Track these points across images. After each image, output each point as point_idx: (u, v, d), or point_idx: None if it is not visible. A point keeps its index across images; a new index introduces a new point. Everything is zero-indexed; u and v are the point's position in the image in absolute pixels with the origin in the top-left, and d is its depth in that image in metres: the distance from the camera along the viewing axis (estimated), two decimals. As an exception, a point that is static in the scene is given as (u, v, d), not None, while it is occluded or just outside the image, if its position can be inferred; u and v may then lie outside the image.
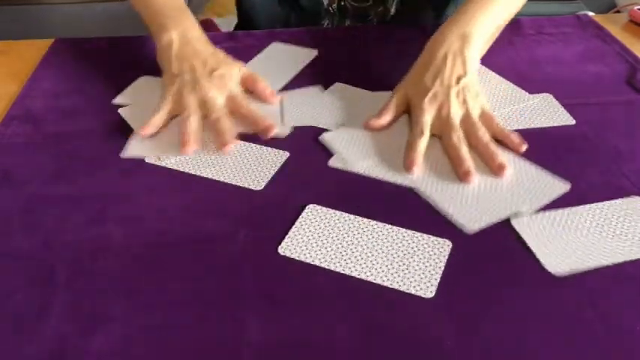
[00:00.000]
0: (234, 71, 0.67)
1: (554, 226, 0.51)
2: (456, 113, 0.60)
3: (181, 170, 0.58)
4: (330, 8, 0.89)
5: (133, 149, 0.60)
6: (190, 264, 0.49)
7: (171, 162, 0.59)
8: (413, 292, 0.46)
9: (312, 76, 0.73)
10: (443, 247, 0.49)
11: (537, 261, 0.48)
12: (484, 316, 0.44)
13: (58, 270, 0.48)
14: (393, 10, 0.90)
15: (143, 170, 0.58)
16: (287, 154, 0.60)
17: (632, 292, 0.46)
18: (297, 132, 0.63)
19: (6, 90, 0.71)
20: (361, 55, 0.78)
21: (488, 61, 0.75)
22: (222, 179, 0.57)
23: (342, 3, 0.88)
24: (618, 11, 1.02)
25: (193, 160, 0.59)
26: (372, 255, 0.49)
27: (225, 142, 0.59)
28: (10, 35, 0.87)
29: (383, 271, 0.47)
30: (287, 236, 0.51)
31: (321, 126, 0.64)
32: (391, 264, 0.48)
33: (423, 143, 0.58)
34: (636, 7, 0.86)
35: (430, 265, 0.48)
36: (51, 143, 0.62)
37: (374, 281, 0.47)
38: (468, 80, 0.61)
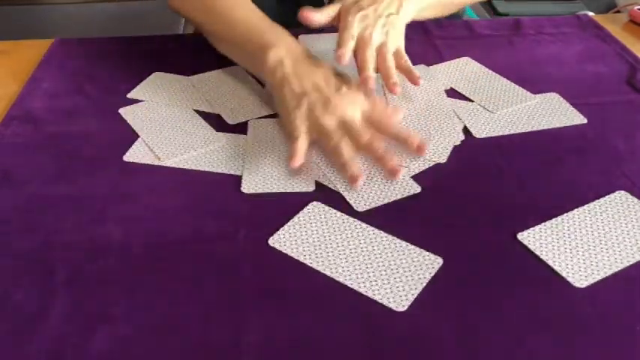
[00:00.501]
0: (358, 94, 0.61)
1: (560, 235, 0.50)
2: (377, 38, 0.63)
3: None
4: None
5: (136, 155, 0.60)
6: (190, 264, 0.49)
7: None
8: (385, 303, 0.45)
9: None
10: (432, 263, 0.48)
11: (537, 261, 0.48)
12: (484, 316, 0.44)
13: (58, 270, 0.48)
14: None
15: (143, 170, 0.58)
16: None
17: (631, 292, 0.46)
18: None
19: (6, 90, 0.71)
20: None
21: (488, 61, 0.75)
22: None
23: None
24: (618, 11, 1.02)
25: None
26: (357, 260, 0.48)
27: (395, 166, 0.56)
28: (10, 35, 0.87)
29: (362, 278, 0.47)
30: (281, 229, 0.51)
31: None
32: (373, 272, 0.47)
33: (351, 43, 0.62)
34: (636, 7, 0.86)
35: (412, 279, 0.47)
36: (51, 143, 0.62)
37: (350, 286, 0.46)
38: (396, 19, 0.65)
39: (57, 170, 0.59)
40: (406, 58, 0.66)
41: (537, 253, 0.49)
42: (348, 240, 0.50)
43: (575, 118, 0.65)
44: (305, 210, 0.53)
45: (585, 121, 0.64)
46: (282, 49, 0.62)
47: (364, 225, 0.51)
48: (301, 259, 0.48)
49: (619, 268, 0.47)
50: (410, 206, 0.54)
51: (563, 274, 0.47)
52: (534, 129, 0.63)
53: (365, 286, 0.46)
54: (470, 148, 0.61)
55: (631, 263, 0.48)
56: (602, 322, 0.44)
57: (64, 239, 0.51)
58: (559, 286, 0.46)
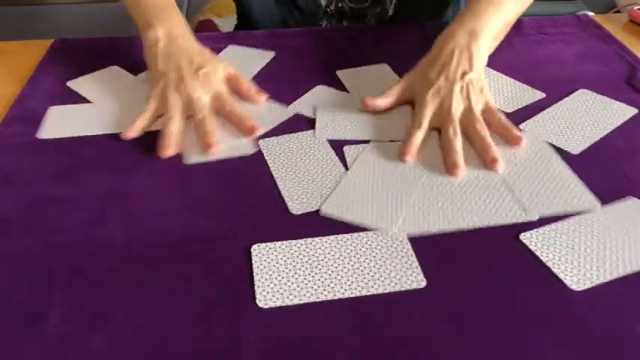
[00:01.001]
0: (219, 70, 0.66)
1: (564, 239, 0.50)
2: (457, 107, 0.60)
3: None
4: (328, 10, 0.89)
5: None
6: (190, 264, 0.49)
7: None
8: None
9: (310, 77, 0.73)
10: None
11: (538, 261, 0.48)
12: (484, 317, 0.44)
13: (58, 270, 0.48)
14: (391, 12, 0.90)
15: (143, 170, 0.59)
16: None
17: (631, 292, 0.46)
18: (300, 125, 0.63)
19: (6, 90, 0.71)
20: (359, 55, 0.78)
21: (488, 60, 0.75)
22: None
23: (340, 5, 0.88)
24: (618, 11, 1.02)
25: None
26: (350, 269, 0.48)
27: (210, 143, 0.59)
28: (10, 35, 0.88)
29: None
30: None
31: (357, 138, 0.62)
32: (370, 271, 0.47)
33: (419, 135, 0.59)
34: (636, 7, 0.86)
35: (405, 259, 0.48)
36: (51, 143, 0.62)
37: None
38: (473, 76, 0.61)
39: (57, 170, 0.59)
40: (500, 115, 0.60)
41: (537, 254, 0.49)
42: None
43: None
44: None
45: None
46: (161, 29, 0.67)
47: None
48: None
49: (620, 275, 0.47)
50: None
51: (561, 276, 0.47)
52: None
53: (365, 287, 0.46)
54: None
55: (633, 271, 0.47)
56: (603, 323, 0.44)
57: (64, 239, 0.51)
58: (559, 286, 0.46)
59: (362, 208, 0.53)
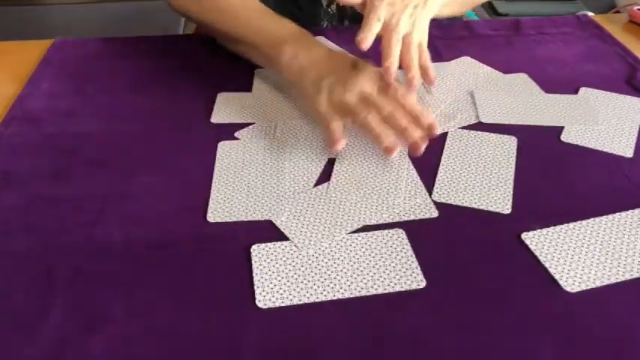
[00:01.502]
0: (369, 65, 0.62)
1: (567, 242, 0.50)
2: (403, 26, 0.61)
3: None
4: (329, 9, 0.89)
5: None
6: (190, 264, 0.49)
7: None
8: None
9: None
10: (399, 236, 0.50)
11: (538, 262, 0.48)
12: (484, 316, 0.44)
13: (58, 270, 0.48)
14: None
15: (143, 170, 0.58)
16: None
17: (632, 292, 0.46)
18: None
19: (6, 90, 0.71)
20: (358, 55, 0.78)
21: (488, 61, 0.75)
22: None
23: (341, 6, 0.88)
24: (618, 11, 1.02)
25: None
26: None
27: (415, 138, 0.57)
28: (10, 35, 0.87)
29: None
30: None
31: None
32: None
33: (376, 27, 0.59)
34: (636, 8, 0.86)
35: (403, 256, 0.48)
36: (51, 143, 0.62)
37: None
38: (422, 11, 0.63)
39: (57, 170, 0.59)
40: (427, 54, 0.64)
41: (537, 254, 0.49)
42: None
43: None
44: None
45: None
46: (294, 43, 0.64)
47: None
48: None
49: (617, 281, 0.47)
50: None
51: (557, 276, 0.47)
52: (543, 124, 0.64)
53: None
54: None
55: (631, 278, 0.47)
56: (603, 323, 0.44)
57: (64, 239, 0.51)
58: (559, 286, 0.46)
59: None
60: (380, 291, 0.46)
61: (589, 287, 0.46)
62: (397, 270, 0.47)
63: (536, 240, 0.50)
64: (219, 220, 0.52)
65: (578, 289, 0.46)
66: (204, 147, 0.61)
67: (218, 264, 0.49)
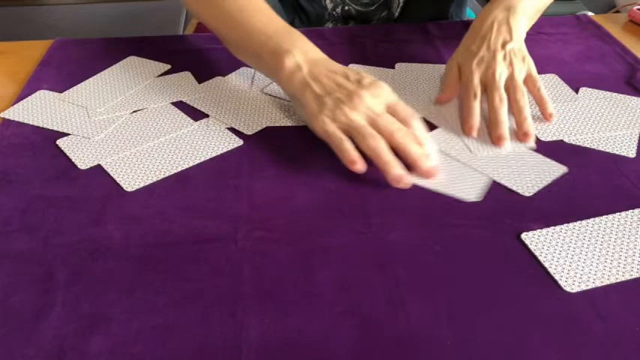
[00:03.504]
0: (380, 83, 0.59)
1: (567, 242, 0.50)
2: (501, 74, 0.62)
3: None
4: (334, 12, 0.89)
5: None
6: (190, 264, 0.49)
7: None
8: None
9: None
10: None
11: (538, 261, 0.48)
12: (484, 317, 0.44)
13: (58, 270, 0.48)
14: (397, 15, 0.90)
15: (143, 170, 0.58)
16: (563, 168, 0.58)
17: (632, 292, 0.46)
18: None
19: (6, 90, 0.71)
20: (361, 55, 0.78)
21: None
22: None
23: (346, 8, 0.88)
24: (618, 11, 1.02)
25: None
26: None
27: (427, 165, 0.55)
28: (10, 35, 0.88)
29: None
30: None
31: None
32: None
33: (477, 105, 0.62)
34: (635, 7, 0.86)
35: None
36: (51, 143, 0.62)
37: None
38: (514, 45, 0.64)
39: (57, 170, 0.59)
40: (540, 85, 0.64)
41: (537, 254, 0.49)
42: None
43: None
44: None
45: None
46: (298, 54, 0.61)
47: None
48: None
49: (617, 280, 0.47)
50: (410, 206, 0.54)
51: (556, 277, 0.47)
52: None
53: None
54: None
55: (631, 278, 0.47)
56: (603, 323, 0.44)
57: (64, 239, 0.51)
58: (559, 286, 0.46)
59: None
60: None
61: (589, 287, 0.46)
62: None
63: (536, 240, 0.50)
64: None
65: (578, 289, 0.46)
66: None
67: (217, 264, 0.49)
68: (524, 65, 0.64)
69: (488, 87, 0.62)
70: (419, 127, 0.57)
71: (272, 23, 0.64)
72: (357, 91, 0.57)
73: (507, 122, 0.60)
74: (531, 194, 0.55)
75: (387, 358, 0.42)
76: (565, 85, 0.71)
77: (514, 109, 0.61)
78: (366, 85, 0.58)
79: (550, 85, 0.71)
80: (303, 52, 0.61)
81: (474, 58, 0.64)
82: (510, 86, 0.62)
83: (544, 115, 0.63)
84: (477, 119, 0.61)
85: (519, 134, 0.60)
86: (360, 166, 0.55)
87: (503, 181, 0.56)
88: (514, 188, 0.55)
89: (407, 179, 0.54)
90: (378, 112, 0.57)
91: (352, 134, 0.56)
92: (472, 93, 0.62)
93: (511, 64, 0.63)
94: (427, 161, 0.55)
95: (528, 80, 0.64)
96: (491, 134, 0.60)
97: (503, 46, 0.64)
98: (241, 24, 0.65)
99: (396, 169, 0.54)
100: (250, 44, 0.64)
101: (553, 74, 0.73)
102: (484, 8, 0.69)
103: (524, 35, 0.67)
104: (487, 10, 0.68)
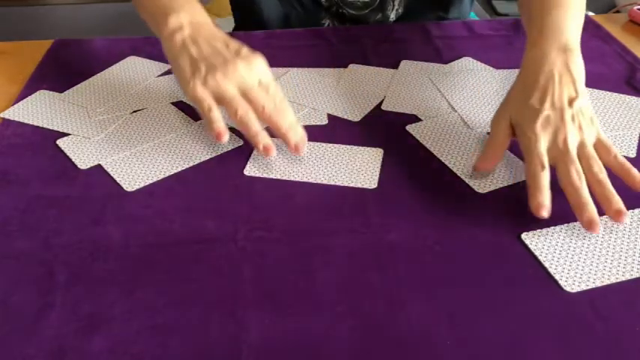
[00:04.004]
0: (258, 57, 0.58)
1: (567, 242, 0.50)
2: (573, 141, 0.52)
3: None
4: (331, 10, 0.89)
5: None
6: (190, 264, 0.49)
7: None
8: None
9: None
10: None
11: (538, 261, 0.48)
12: (483, 317, 0.44)
13: (58, 270, 0.48)
14: (393, 17, 0.90)
15: (143, 170, 0.58)
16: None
17: (632, 292, 0.46)
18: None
19: (6, 90, 0.71)
20: (359, 55, 0.78)
21: (488, 61, 0.75)
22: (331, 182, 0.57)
23: (340, 10, 0.88)
24: (618, 11, 1.02)
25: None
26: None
27: (298, 137, 0.56)
28: (10, 35, 0.88)
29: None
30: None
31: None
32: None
33: (546, 178, 0.51)
34: (636, 7, 0.86)
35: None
36: (51, 143, 0.62)
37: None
38: (581, 103, 0.53)
39: (57, 170, 0.59)
40: (615, 151, 0.52)
41: (537, 254, 0.49)
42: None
43: None
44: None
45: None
46: (184, 14, 0.59)
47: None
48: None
49: (617, 280, 0.47)
50: (410, 206, 0.54)
51: (557, 276, 0.47)
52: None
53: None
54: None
55: (632, 277, 0.47)
56: (603, 323, 0.44)
57: (64, 239, 0.51)
58: (559, 286, 0.46)
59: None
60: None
61: (589, 287, 0.46)
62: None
63: (536, 240, 0.50)
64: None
65: (578, 289, 0.46)
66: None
67: (217, 264, 0.49)
68: (593, 129, 0.53)
69: (560, 157, 0.51)
70: (289, 109, 0.57)
71: None
72: (233, 59, 0.56)
73: (592, 203, 0.49)
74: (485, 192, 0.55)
75: (387, 358, 0.42)
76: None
77: (593, 184, 0.50)
78: (243, 55, 0.57)
79: None
80: (189, 14, 0.60)
81: (538, 117, 0.52)
82: (584, 157, 0.51)
83: (631, 183, 0.51)
84: (547, 196, 0.50)
85: (612, 213, 0.49)
86: (225, 138, 0.54)
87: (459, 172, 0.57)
88: (470, 184, 0.56)
89: (274, 150, 0.54)
90: (251, 85, 0.56)
91: (222, 103, 0.56)
92: (540, 162, 0.51)
93: (580, 127, 0.52)
94: (297, 134, 0.55)
95: (600, 147, 0.53)
96: (579, 218, 0.49)
97: (571, 103, 0.53)
98: None
99: (266, 139, 0.54)
100: (147, 7, 0.63)
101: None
102: (534, 48, 0.57)
103: (583, 73, 0.56)
104: (540, 53, 0.56)
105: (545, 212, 0.49)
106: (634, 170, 0.52)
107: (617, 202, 0.49)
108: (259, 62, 0.57)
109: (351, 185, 0.56)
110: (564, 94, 0.53)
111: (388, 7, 0.88)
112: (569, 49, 0.56)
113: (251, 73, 0.56)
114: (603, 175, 0.51)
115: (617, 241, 0.50)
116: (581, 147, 0.52)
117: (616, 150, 0.53)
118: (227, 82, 0.55)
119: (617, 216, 0.49)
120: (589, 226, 0.48)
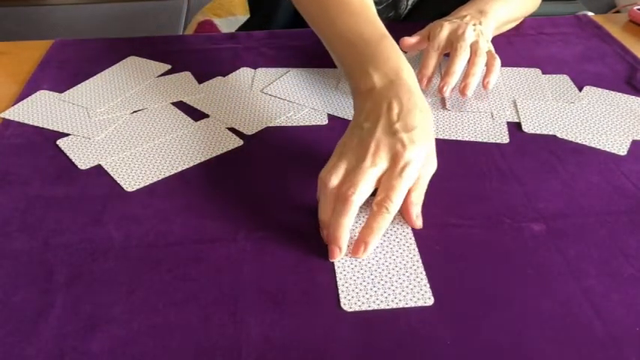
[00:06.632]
0: (421, 151, 0.51)
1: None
2: (470, 36, 0.68)
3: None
4: None
5: None
6: (190, 264, 0.49)
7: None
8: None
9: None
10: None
11: (537, 261, 0.48)
12: (484, 317, 0.44)
13: (58, 270, 0.48)
14: (404, 15, 0.90)
15: (143, 170, 0.58)
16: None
17: (631, 292, 0.46)
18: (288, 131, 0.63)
19: (6, 90, 0.71)
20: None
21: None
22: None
23: None
24: (618, 11, 1.02)
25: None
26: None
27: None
28: (10, 36, 0.88)
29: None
30: None
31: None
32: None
33: (434, 58, 0.68)
34: (636, 7, 0.86)
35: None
36: (51, 143, 0.62)
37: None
38: (483, 27, 0.70)
39: (57, 170, 0.59)
40: (499, 62, 0.68)
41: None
42: None
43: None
44: None
45: None
46: (377, 75, 0.54)
47: None
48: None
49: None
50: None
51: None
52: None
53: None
54: (471, 148, 0.61)
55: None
56: (603, 323, 0.44)
57: (64, 239, 0.51)
58: (559, 286, 0.46)
59: None
60: (382, 307, 0.45)
61: (588, 287, 0.46)
62: (404, 287, 0.46)
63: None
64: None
65: (578, 289, 0.46)
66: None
67: (218, 264, 0.49)
68: (488, 45, 0.69)
69: (455, 39, 0.67)
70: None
71: (366, 30, 0.58)
72: (364, 166, 0.49)
73: (459, 74, 0.66)
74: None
75: (387, 358, 0.42)
76: (573, 86, 0.71)
77: (470, 65, 0.67)
78: (402, 137, 0.50)
79: (558, 84, 0.71)
80: (383, 72, 0.54)
81: (447, 22, 0.70)
82: (475, 47, 0.67)
83: (482, 83, 0.67)
84: (430, 70, 0.68)
85: (461, 87, 0.66)
86: (337, 253, 0.48)
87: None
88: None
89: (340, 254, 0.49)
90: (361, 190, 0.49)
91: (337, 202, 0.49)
92: (437, 45, 0.68)
93: (478, 35, 0.68)
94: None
95: (489, 54, 0.68)
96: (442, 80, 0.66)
97: (475, 25, 0.69)
98: (332, 20, 0.60)
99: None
100: (342, 50, 0.59)
101: (564, 75, 0.73)
102: (458, 8, 0.75)
103: (491, 35, 0.72)
104: (460, 9, 0.74)
105: (423, 84, 0.67)
106: (494, 77, 0.67)
107: (471, 82, 0.65)
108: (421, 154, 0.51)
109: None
110: (472, 22, 0.70)
111: (402, 4, 0.88)
112: (484, 12, 0.72)
113: (367, 185, 0.50)
114: (481, 60, 0.67)
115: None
116: (475, 44, 0.67)
117: (499, 62, 0.68)
118: (354, 188, 0.49)
119: (463, 89, 0.66)
120: (441, 90, 0.66)
